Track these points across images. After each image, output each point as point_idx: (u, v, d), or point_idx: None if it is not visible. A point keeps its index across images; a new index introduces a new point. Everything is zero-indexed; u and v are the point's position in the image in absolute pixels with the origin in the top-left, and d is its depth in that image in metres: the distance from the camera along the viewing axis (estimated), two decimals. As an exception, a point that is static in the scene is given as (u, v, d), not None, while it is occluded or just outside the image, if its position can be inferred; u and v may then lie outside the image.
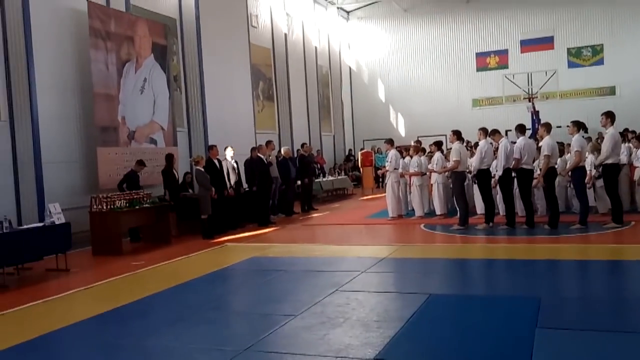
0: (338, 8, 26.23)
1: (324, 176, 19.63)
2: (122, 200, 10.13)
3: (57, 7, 11.66)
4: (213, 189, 11.28)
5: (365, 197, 19.05)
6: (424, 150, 13.22)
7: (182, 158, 14.35)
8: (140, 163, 11.49)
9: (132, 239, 11.23)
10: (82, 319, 5.81)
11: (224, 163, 12.26)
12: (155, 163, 13.04)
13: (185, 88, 15.59)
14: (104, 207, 9.84)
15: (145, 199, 10.63)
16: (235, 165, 12.64)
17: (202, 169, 11.22)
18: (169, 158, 11.85)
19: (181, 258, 9.16)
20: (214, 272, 7.95)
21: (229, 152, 12.65)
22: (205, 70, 15.83)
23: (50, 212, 8.63)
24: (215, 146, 12.25)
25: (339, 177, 20.46)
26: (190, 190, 12.65)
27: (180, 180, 12.46)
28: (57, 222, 8.54)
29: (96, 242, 9.89)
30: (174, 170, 11.97)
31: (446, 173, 11.48)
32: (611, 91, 23.25)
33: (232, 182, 12.32)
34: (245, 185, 13.22)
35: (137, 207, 10.31)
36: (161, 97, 13.81)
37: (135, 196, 10.44)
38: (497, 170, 10.31)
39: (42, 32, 11.10)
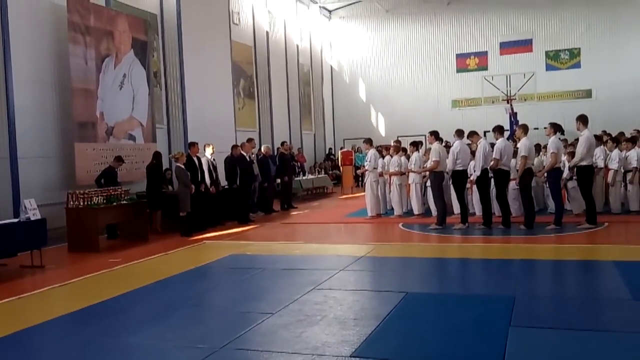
0: (320, 7, 26.24)
1: (304, 174, 19.64)
2: (100, 197, 10.05)
3: (36, 1, 11.47)
4: (193, 186, 11.22)
5: (344, 196, 19.10)
6: (404, 150, 13.32)
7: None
8: (119, 159, 11.41)
9: (109, 235, 11.14)
10: (57, 316, 5.76)
11: (202, 160, 12.21)
12: (134, 159, 12.94)
13: (165, 84, 15.48)
14: (81, 204, 9.76)
15: (123, 195, 10.56)
16: (213, 163, 12.57)
17: (183, 166, 11.16)
18: (159, 156, 11.90)
19: (159, 255, 9.12)
20: (192, 270, 7.93)
21: (209, 150, 12.59)
22: (185, 67, 15.74)
23: (25, 207, 8.52)
24: (197, 143, 12.18)
25: (319, 176, 20.48)
26: (170, 187, 12.58)
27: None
28: (32, 218, 8.44)
29: (72, 238, 9.79)
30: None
31: (425, 173, 11.59)
32: (587, 94, 23.64)
33: (208, 180, 12.20)
34: (224, 184, 13.19)
35: (114, 203, 10.24)
36: (140, 93, 13.69)
37: (113, 192, 10.36)
38: (474, 171, 10.44)
39: (20, 26, 10.91)
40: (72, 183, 11.41)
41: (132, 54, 13.48)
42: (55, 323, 5.57)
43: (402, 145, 13.51)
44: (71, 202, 9.80)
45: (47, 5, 11.71)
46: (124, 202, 10.51)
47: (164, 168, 12.97)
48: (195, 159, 11.80)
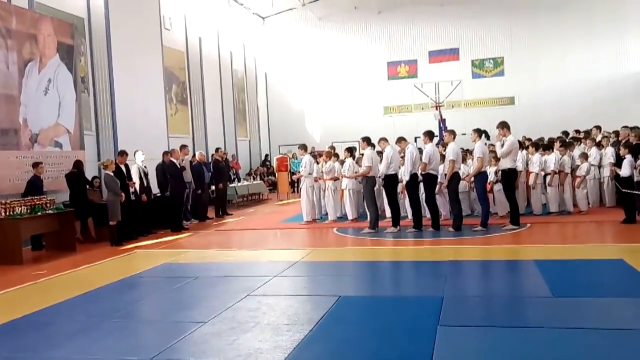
0: (253, 13, 26.19)
1: (239, 181, 19.51)
2: (23, 207, 9.64)
3: (-50, 1, 10.92)
4: (123, 194, 10.94)
5: (280, 202, 19.11)
6: (337, 155, 13.48)
7: (90, 162, 13.78)
8: (36, 165, 10.87)
9: (34, 246, 10.68)
10: (-25, 333, 5.48)
11: (134, 167, 11.91)
12: (60, 167, 12.47)
13: (93, 90, 15.01)
14: (2, 214, 9.35)
15: (48, 204, 10.16)
16: (145, 170, 12.27)
17: (112, 174, 10.85)
18: (80, 164, 11.81)
19: (87, 266, 8.84)
20: (122, 280, 7.72)
21: (139, 157, 12.29)
22: (115, 72, 15.33)
23: (-60, 219, 8.06)
24: (125, 152, 11.87)
25: (255, 182, 20.38)
26: (98, 194, 12.20)
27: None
28: (-52, 231, 8.00)
29: (-7, 251, 9.33)
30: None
31: (358, 178, 11.78)
32: (511, 101, 24.77)
33: (139, 187, 11.89)
34: (156, 191, 12.92)
35: (39, 213, 9.84)
36: (67, 99, 13.21)
37: (37, 202, 9.96)
38: (404, 176, 10.71)
39: None
40: (-8, 193, 10.88)
41: (58, 59, 13.00)
42: (-27, 340, 5.29)
43: (336, 152, 13.68)
44: (-9, 213, 9.35)
45: (-36, 6, 11.15)
46: (50, 211, 10.12)
47: (92, 176, 12.59)
48: (123, 167, 11.49)
